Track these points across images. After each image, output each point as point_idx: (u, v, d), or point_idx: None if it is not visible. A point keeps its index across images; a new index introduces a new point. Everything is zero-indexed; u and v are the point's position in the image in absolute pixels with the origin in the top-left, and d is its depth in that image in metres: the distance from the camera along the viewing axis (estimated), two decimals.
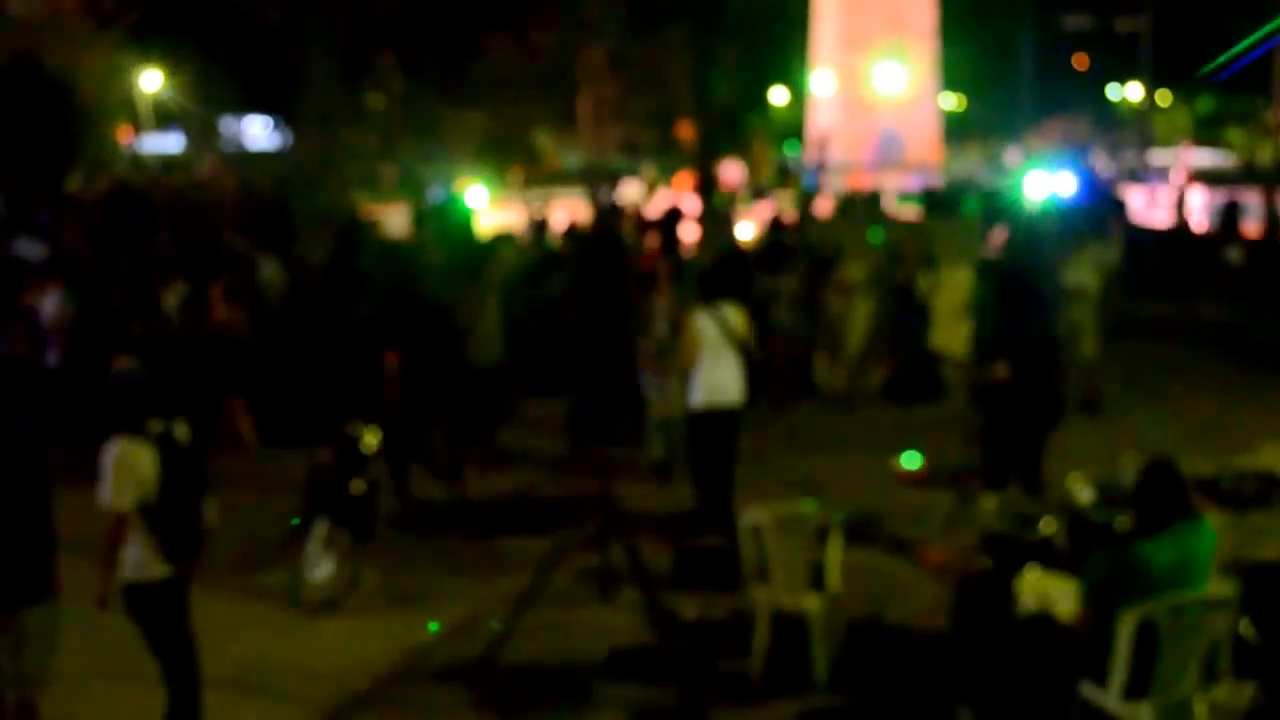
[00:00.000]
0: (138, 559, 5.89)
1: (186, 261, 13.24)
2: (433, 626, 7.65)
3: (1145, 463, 5.76)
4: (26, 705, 5.91)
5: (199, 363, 10.97)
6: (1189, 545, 5.60)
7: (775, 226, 19.98)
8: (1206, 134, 64.63)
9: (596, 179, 26.07)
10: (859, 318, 13.56)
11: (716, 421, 9.03)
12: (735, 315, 9.06)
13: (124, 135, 49.43)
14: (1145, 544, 5.57)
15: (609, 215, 20.05)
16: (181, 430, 6.09)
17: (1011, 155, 50.89)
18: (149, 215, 20.11)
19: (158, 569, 5.92)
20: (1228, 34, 44.05)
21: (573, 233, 18.21)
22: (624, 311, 7.29)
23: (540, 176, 39.15)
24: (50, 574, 5.87)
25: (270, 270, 12.76)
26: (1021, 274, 9.19)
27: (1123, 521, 6.65)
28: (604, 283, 7.24)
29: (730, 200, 24.96)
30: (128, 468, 5.77)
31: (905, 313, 13.34)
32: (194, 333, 11.30)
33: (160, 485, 5.84)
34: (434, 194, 26.65)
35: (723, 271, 10.26)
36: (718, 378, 8.94)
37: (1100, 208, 19.64)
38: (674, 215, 22.52)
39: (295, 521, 8.47)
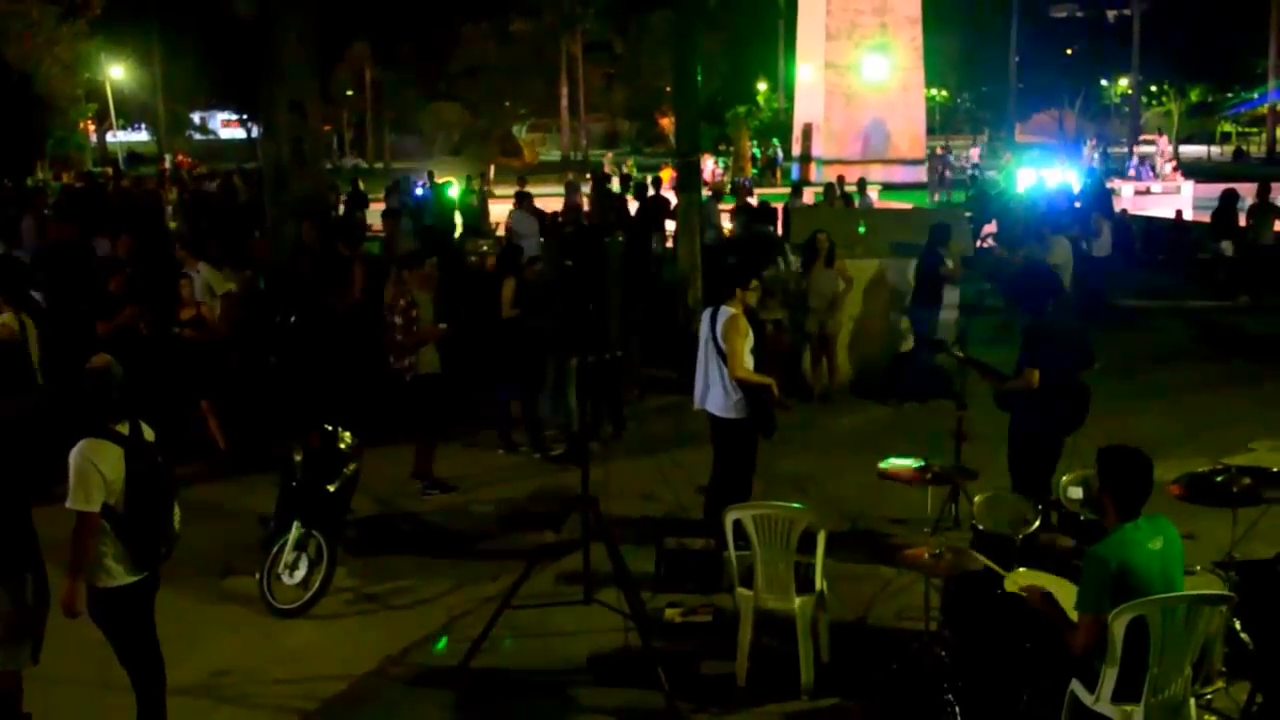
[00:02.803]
0: (104, 564, 5.75)
1: (155, 260, 13.12)
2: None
3: (1109, 451, 5.55)
4: (7, 675, 6.00)
5: (167, 363, 10.87)
6: (1168, 535, 5.47)
7: (759, 219, 19.90)
8: (1198, 126, 64.78)
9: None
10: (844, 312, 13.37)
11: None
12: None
13: (90, 128, 49.25)
14: (1130, 528, 5.41)
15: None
16: (147, 432, 5.95)
17: (976, 150, 51.04)
18: (117, 212, 19.99)
19: (125, 574, 5.79)
20: (1218, 24, 44.11)
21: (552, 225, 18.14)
22: (605, 306, 7.10)
23: (517, 170, 38.97)
24: (20, 551, 5.90)
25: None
26: (1033, 268, 8.99)
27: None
28: (582, 277, 7.02)
29: (713, 194, 24.80)
30: (94, 469, 5.62)
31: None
32: (162, 332, 11.18)
33: (127, 487, 5.70)
34: (413, 188, 26.68)
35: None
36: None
37: (1086, 201, 19.60)
38: (657, 208, 22.47)
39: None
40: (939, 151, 40.66)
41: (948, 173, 38.59)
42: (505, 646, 7.25)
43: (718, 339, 8.45)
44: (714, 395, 8.59)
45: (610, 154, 46.78)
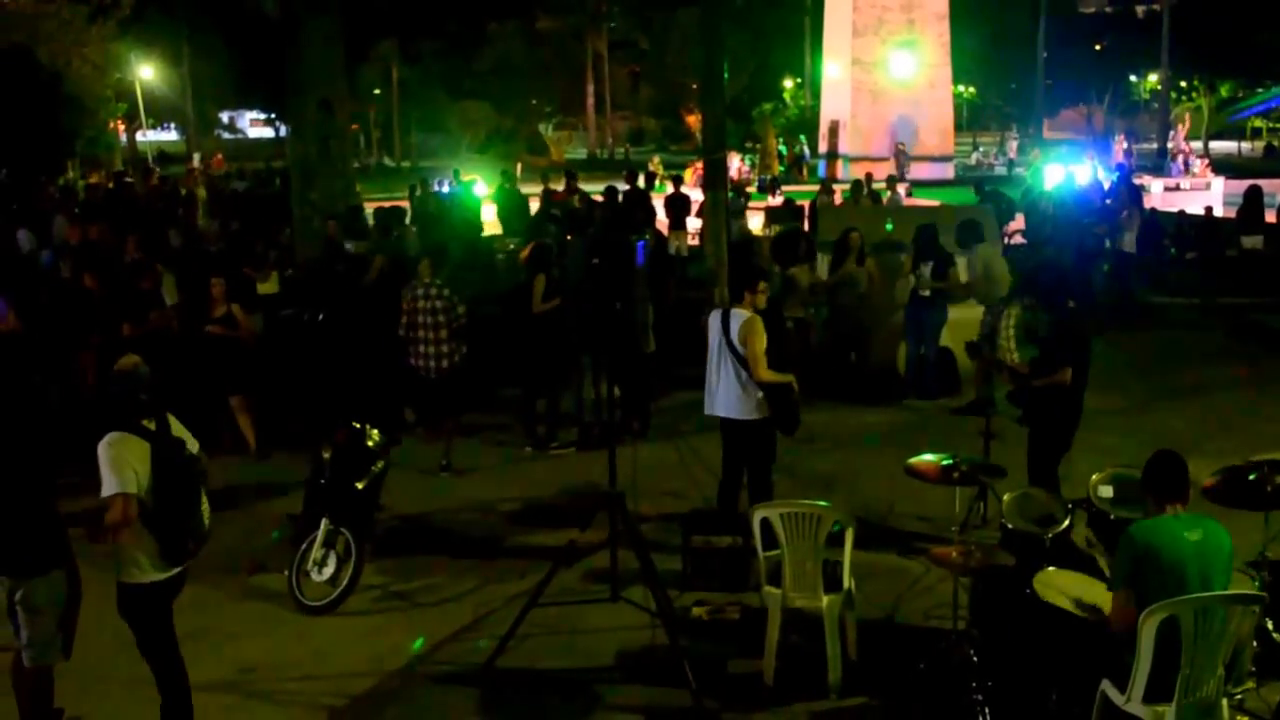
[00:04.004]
0: (135, 559, 5.79)
1: (188, 258, 13.22)
2: (417, 644, 7.49)
3: (1156, 455, 5.67)
4: (40, 670, 6.08)
5: (198, 361, 10.94)
6: (1210, 530, 5.48)
7: (789, 215, 19.94)
8: (1227, 121, 64.15)
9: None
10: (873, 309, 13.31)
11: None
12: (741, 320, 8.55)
13: (120, 128, 49.49)
14: (1167, 517, 5.48)
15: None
16: (177, 429, 5.98)
17: (1012, 145, 50.80)
18: (148, 211, 20.12)
19: (154, 570, 5.83)
20: (1248, 19, 43.57)
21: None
22: (628, 301, 7.08)
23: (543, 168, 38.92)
24: (52, 548, 5.98)
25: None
26: (1054, 265, 9.13)
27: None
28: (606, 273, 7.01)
29: (739, 191, 24.80)
30: (123, 456, 5.66)
31: (920, 306, 13.10)
32: (193, 331, 11.24)
33: (154, 483, 5.72)
34: (439, 186, 26.71)
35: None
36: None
37: (1116, 197, 19.48)
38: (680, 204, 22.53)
39: (276, 534, 8.34)
40: (900, 147, 40.84)
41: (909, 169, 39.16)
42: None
43: (733, 342, 8.37)
44: (729, 398, 8.48)
45: (656, 159, 46.76)
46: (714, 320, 8.61)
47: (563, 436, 11.84)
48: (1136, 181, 24.28)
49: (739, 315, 8.43)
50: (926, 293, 12.90)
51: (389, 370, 11.20)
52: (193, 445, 6.03)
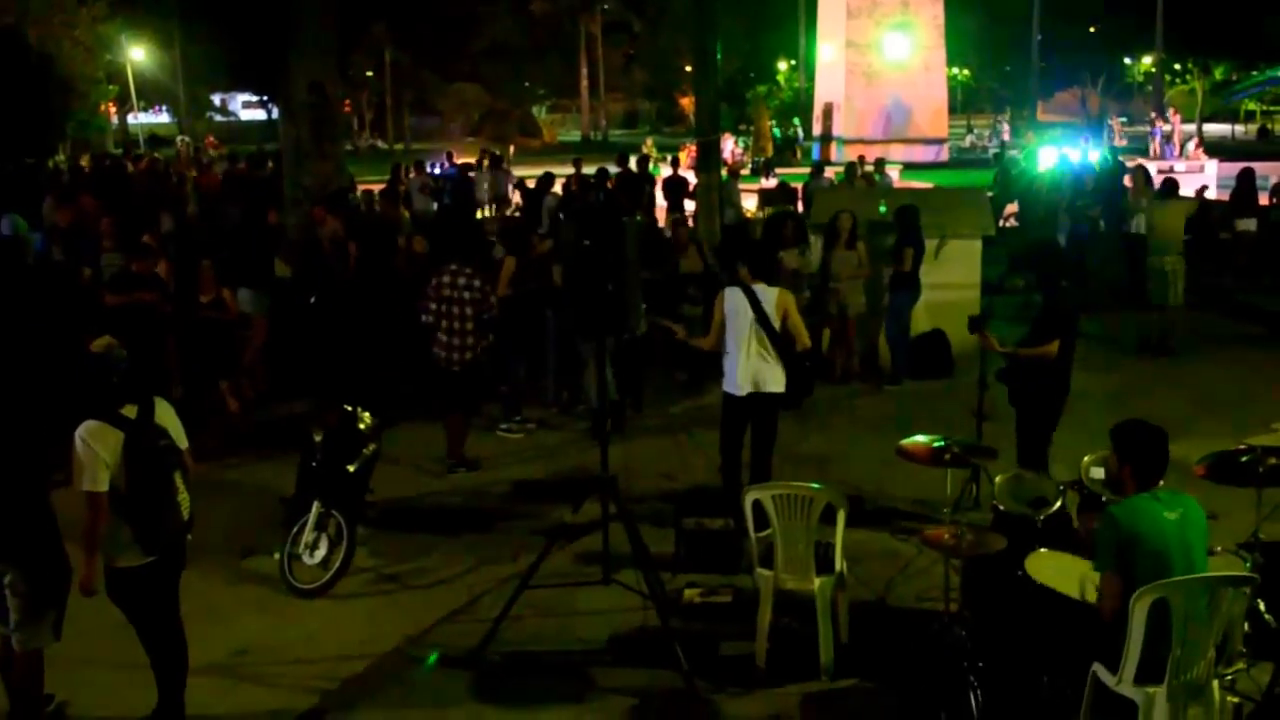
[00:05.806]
0: (114, 544, 5.79)
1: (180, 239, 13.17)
2: (432, 658, 7.45)
3: (1124, 426, 5.64)
4: (29, 655, 6.05)
5: (188, 342, 10.92)
6: (1189, 508, 5.48)
7: (782, 198, 19.91)
8: (1221, 104, 64.03)
9: None
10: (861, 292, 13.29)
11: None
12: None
13: (112, 110, 49.27)
14: (1147, 497, 5.44)
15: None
16: (164, 415, 5.95)
17: (1029, 135, 50.75)
18: (139, 192, 20.04)
19: (133, 556, 5.81)
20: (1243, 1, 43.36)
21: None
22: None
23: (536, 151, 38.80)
24: (29, 534, 5.95)
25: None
26: (1049, 247, 9.25)
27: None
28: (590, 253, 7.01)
29: (733, 174, 24.75)
30: (95, 450, 5.65)
31: (891, 287, 13.10)
32: (185, 312, 11.22)
33: (127, 472, 5.71)
34: (433, 168, 26.72)
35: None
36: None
37: (1118, 177, 19.44)
38: (678, 186, 22.50)
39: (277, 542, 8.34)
40: (764, 144, 41.04)
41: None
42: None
43: (769, 317, 8.41)
44: (760, 373, 8.50)
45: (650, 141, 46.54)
46: (736, 297, 8.57)
47: (526, 413, 11.86)
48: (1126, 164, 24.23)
49: (767, 291, 8.49)
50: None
51: (383, 353, 11.17)
52: (179, 437, 6.00)
